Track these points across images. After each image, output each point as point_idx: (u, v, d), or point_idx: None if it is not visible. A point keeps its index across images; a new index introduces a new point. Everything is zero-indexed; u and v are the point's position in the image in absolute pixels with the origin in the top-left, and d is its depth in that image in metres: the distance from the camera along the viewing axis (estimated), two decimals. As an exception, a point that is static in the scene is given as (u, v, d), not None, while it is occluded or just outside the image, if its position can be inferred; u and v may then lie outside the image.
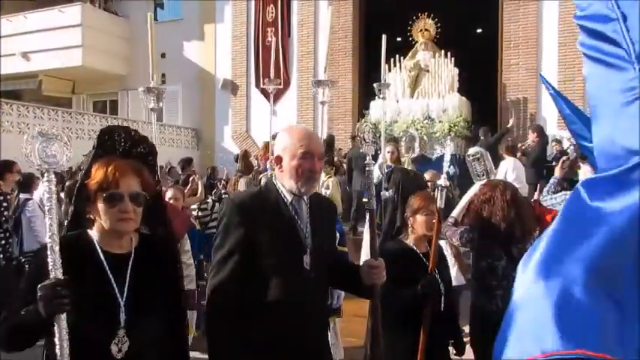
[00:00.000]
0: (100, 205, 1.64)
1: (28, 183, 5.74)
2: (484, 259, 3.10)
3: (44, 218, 4.98)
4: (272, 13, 13.76)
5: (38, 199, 6.33)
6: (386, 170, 6.30)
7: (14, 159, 6.34)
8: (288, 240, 2.06)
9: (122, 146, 1.80)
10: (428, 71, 11.39)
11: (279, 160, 2.10)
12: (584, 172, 4.92)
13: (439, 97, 11.03)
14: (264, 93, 13.87)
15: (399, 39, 12.71)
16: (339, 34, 12.94)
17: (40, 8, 15.18)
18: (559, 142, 9.75)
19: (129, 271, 1.70)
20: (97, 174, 1.65)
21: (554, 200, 5.08)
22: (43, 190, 1.45)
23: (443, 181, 2.84)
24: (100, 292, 1.63)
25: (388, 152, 6.76)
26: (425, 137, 10.66)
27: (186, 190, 5.73)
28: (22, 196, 5.62)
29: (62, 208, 6.47)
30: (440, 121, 10.60)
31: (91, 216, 1.68)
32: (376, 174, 6.66)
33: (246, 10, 14.15)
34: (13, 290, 5.53)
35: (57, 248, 1.45)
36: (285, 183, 2.09)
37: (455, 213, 3.64)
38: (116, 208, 1.63)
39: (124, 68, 15.07)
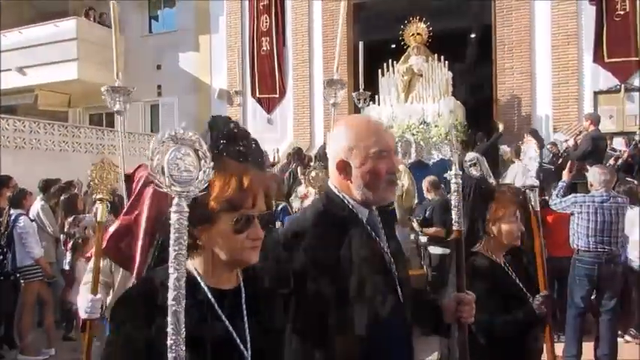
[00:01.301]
0: (223, 229, 1.22)
1: (19, 199, 5.74)
2: None
3: (36, 233, 4.96)
4: (266, 22, 13.81)
5: (34, 215, 6.32)
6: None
7: (11, 174, 6.36)
8: (378, 271, 1.60)
9: (220, 143, 1.36)
10: (421, 75, 11.37)
11: (344, 166, 1.62)
12: (593, 174, 4.93)
13: (434, 101, 10.97)
14: (261, 102, 13.91)
15: (393, 45, 12.70)
16: (333, 41, 12.97)
17: (35, 23, 15.21)
18: (555, 144, 9.76)
19: (245, 313, 1.30)
20: (227, 187, 1.21)
21: (564, 204, 5.07)
22: (172, 227, 1.01)
23: (531, 180, 2.55)
24: (219, 345, 1.23)
25: None
26: (421, 142, 10.65)
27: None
28: (15, 211, 5.61)
29: (58, 222, 6.47)
30: (436, 126, 10.56)
31: (199, 242, 1.25)
32: None
33: (241, 20, 14.20)
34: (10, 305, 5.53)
35: (182, 316, 1.00)
36: (356, 194, 1.62)
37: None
38: (245, 233, 1.23)
39: (120, 81, 15.07)
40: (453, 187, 1.88)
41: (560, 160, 8.59)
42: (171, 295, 1.00)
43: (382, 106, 11.39)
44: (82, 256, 5.21)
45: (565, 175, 5.38)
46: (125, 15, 15.98)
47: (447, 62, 11.17)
